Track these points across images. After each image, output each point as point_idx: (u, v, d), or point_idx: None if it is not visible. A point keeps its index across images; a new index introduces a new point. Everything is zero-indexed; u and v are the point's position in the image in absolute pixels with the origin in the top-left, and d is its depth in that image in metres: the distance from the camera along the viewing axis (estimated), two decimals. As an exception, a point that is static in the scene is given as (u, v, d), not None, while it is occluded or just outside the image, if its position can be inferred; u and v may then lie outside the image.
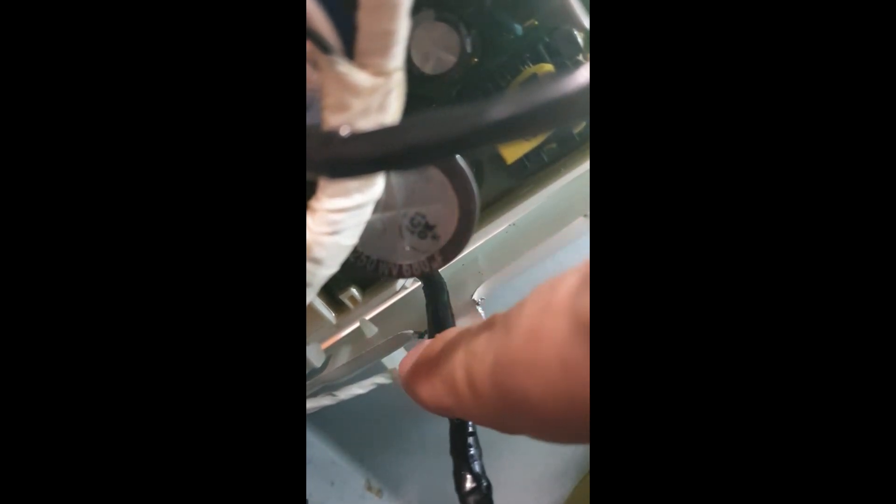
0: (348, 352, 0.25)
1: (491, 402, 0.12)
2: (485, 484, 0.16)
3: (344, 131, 0.12)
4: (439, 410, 0.14)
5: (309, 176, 0.12)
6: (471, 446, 0.17)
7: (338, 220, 0.15)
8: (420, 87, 0.18)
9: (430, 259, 0.18)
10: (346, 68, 0.14)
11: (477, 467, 0.16)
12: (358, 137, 0.11)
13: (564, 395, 0.10)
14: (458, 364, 0.13)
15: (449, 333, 0.14)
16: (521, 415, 0.12)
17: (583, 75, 0.10)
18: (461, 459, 0.16)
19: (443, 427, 0.18)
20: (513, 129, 0.10)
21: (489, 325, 0.13)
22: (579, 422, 0.10)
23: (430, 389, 0.14)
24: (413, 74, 0.18)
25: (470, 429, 0.17)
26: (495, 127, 0.10)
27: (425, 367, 0.14)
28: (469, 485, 0.16)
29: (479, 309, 0.21)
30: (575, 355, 0.10)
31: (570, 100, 0.10)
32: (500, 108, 0.09)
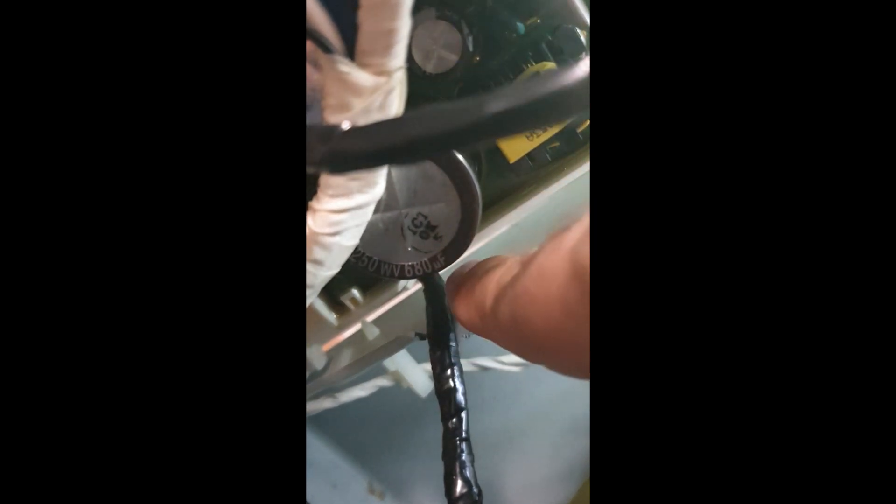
0: (350, 354, 0.25)
1: (509, 331, 0.14)
2: (475, 490, 0.16)
3: (344, 126, 0.11)
4: (472, 330, 0.16)
5: (309, 171, 0.12)
6: (462, 451, 0.16)
7: (339, 220, 0.15)
8: (421, 86, 0.18)
9: (433, 260, 0.18)
10: (347, 68, 0.14)
11: (468, 473, 0.16)
12: (358, 131, 0.11)
13: (563, 330, 0.11)
14: (488, 291, 0.15)
15: (491, 260, 0.16)
16: (531, 345, 0.13)
17: (583, 69, 0.10)
18: (452, 464, 0.16)
19: (445, 429, 0.17)
20: (513, 121, 0.10)
21: (520, 259, 0.14)
22: (576, 356, 0.11)
23: (466, 310, 0.16)
24: (414, 73, 0.17)
25: (463, 434, 0.17)
26: (496, 119, 0.09)
27: (466, 288, 0.16)
28: (459, 490, 0.16)
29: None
30: (573, 295, 0.11)
31: (570, 92, 0.09)
32: (501, 101, 0.09)
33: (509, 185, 0.21)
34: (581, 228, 0.11)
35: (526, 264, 0.13)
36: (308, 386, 0.26)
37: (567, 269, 0.11)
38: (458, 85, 0.19)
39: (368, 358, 0.24)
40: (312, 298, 0.17)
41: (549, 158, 0.20)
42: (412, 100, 0.15)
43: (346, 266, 0.16)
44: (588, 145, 0.20)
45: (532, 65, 0.19)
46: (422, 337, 0.22)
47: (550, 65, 0.19)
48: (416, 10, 0.14)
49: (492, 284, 0.15)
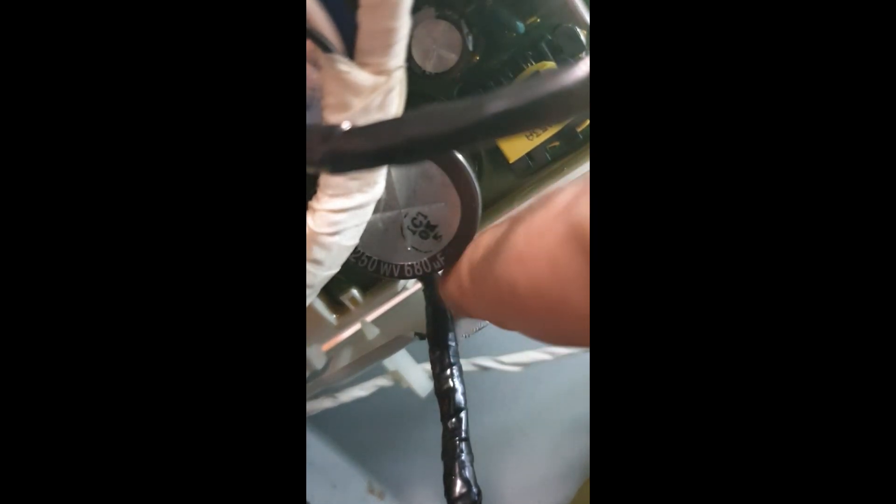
0: (349, 354, 0.25)
1: (486, 292, 0.13)
2: (475, 490, 0.16)
3: (344, 125, 0.11)
4: (449, 302, 0.16)
5: (309, 171, 0.12)
6: (462, 451, 0.16)
7: (338, 220, 0.15)
8: (421, 86, 0.18)
9: (433, 259, 0.18)
10: (346, 67, 0.13)
11: (468, 473, 0.16)
12: (358, 131, 0.11)
13: (548, 292, 0.11)
14: (466, 255, 0.15)
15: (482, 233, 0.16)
16: (509, 306, 0.12)
17: (583, 69, 0.10)
18: (451, 464, 0.16)
19: (445, 429, 0.17)
20: (513, 121, 0.10)
21: (508, 220, 0.14)
22: (559, 320, 0.11)
23: (444, 282, 0.16)
24: (414, 73, 0.17)
25: (463, 434, 0.17)
26: (496, 119, 0.09)
27: (449, 267, 0.16)
28: (458, 490, 0.16)
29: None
30: (563, 256, 0.11)
31: (570, 92, 0.09)
32: (501, 101, 0.09)
33: (509, 185, 0.21)
34: (575, 189, 0.11)
35: (514, 224, 0.13)
36: (308, 386, 0.26)
37: (560, 228, 0.11)
38: (457, 84, 0.19)
39: (368, 358, 0.24)
40: (312, 298, 0.17)
41: (549, 158, 0.20)
42: (412, 99, 0.15)
43: (346, 266, 0.16)
44: (588, 145, 0.20)
45: (532, 64, 0.19)
46: (421, 337, 0.22)
47: (550, 64, 0.19)
48: (416, 9, 0.14)
49: (476, 248, 0.15)
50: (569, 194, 0.11)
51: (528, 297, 0.11)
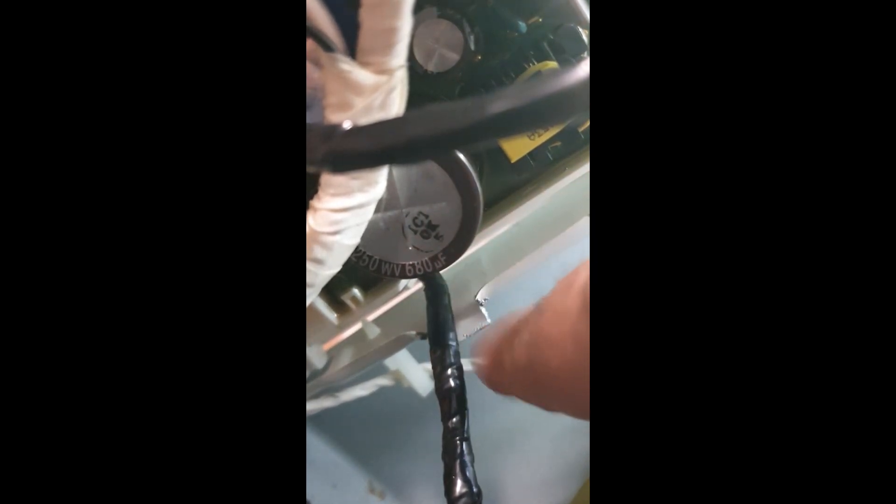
0: (350, 353, 0.25)
1: (527, 377, 0.13)
2: (475, 490, 0.16)
3: (346, 125, 0.11)
4: (496, 388, 0.16)
5: (311, 170, 0.12)
6: (463, 451, 0.16)
7: (340, 219, 0.15)
8: (422, 85, 0.18)
9: (434, 259, 0.18)
10: (348, 66, 0.13)
11: (468, 472, 0.16)
12: (359, 130, 0.11)
13: (576, 369, 0.11)
14: (506, 343, 0.15)
15: (512, 317, 0.16)
16: (548, 388, 0.13)
17: (583, 69, 0.10)
18: (452, 464, 0.16)
19: (445, 429, 0.17)
20: (514, 122, 0.10)
21: (533, 307, 0.14)
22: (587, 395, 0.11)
23: (488, 368, 0.16)
24: (415, 72, 0.17)
25: (463, 433, 0.17)
26: (497, 120, 0.09)
27: (486, 348, 0.16)
28: (459, 490, 0.16)
29: (483, 310, 0.21)
30: (584, 329, 0.11)
31: (571, 93, 0.09)
32: (502, 102, 0.09)
33: (511, 185, 0.21)
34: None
35: (539, 308, 0.13)
36: (308, 385, 0.26)
37: (578, 303, 0.11)
38: (459, 84, 0.19)
39: (369, 357, 0.24)
40: (313, 297, 0.17)
41: (551, 158, 0.20)
42: (413, 99, 0.15)
43: (347, 265, 0.16)
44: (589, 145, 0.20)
45: (534, 64, 0.19)
46: (422, 336, 0.22)
47: (552, 64, 0.18)
48: (418, 8, 0.14)
49: (508, 334, 0.15)
50: (585, 272, 0.11)
51: (560, 375, 0.12)
